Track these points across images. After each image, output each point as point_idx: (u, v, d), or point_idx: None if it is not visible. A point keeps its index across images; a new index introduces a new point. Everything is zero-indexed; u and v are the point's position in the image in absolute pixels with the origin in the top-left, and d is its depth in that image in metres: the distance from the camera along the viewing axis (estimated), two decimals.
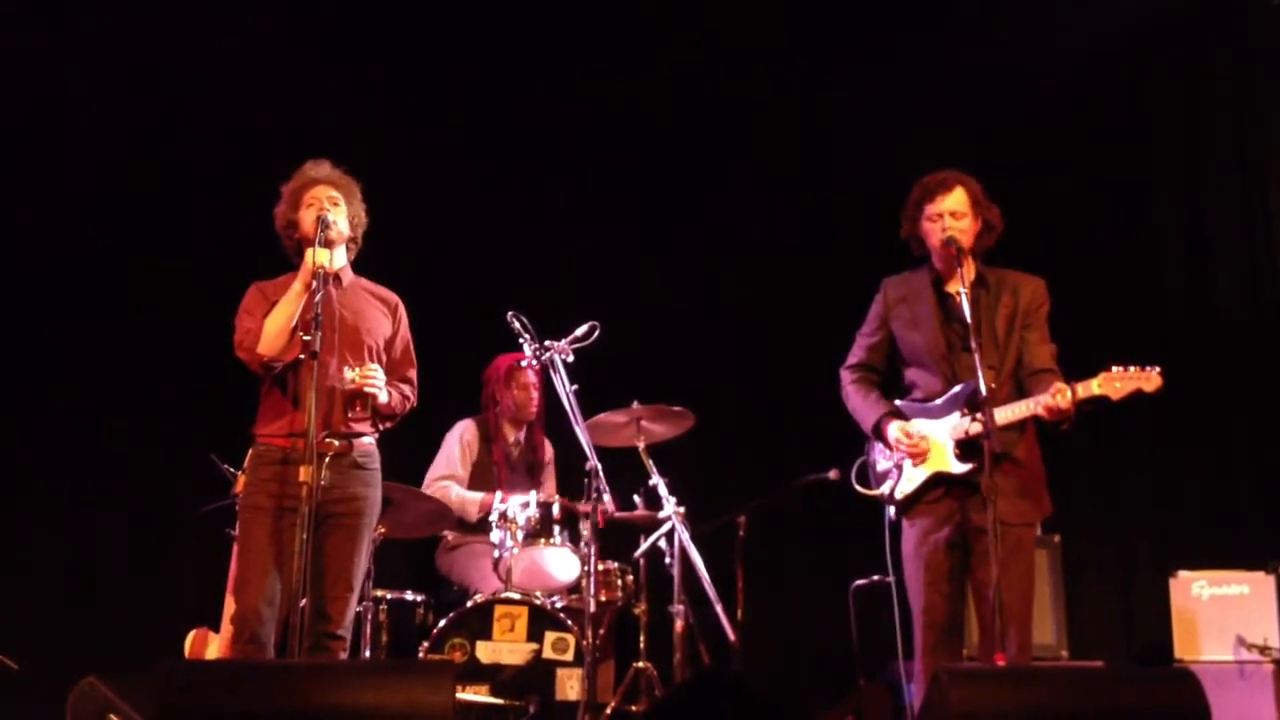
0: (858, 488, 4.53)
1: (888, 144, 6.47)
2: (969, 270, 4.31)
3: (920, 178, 4.40)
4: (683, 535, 5.18)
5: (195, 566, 6.09)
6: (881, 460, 4.44)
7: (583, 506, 5.10)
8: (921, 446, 4.25)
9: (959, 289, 4.18)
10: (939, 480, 4.27)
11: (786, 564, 6.74)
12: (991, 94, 6.62)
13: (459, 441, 5.90)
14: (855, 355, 4.56)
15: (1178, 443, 6.51)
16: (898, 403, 4.42)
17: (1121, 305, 6.54)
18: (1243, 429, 6.45)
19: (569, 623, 5.07)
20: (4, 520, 5.92)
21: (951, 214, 4.29)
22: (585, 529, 5.11)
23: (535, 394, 5.89)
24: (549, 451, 6.07)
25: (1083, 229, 6.75)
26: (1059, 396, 4.02)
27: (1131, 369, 4.03)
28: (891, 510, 4.38)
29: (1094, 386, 4.04)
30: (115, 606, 6.16)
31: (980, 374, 3.99)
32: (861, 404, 4.46)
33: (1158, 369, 4.04)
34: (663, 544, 5.46)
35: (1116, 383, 4.03)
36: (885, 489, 4.39)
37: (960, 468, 4.21)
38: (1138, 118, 6.87)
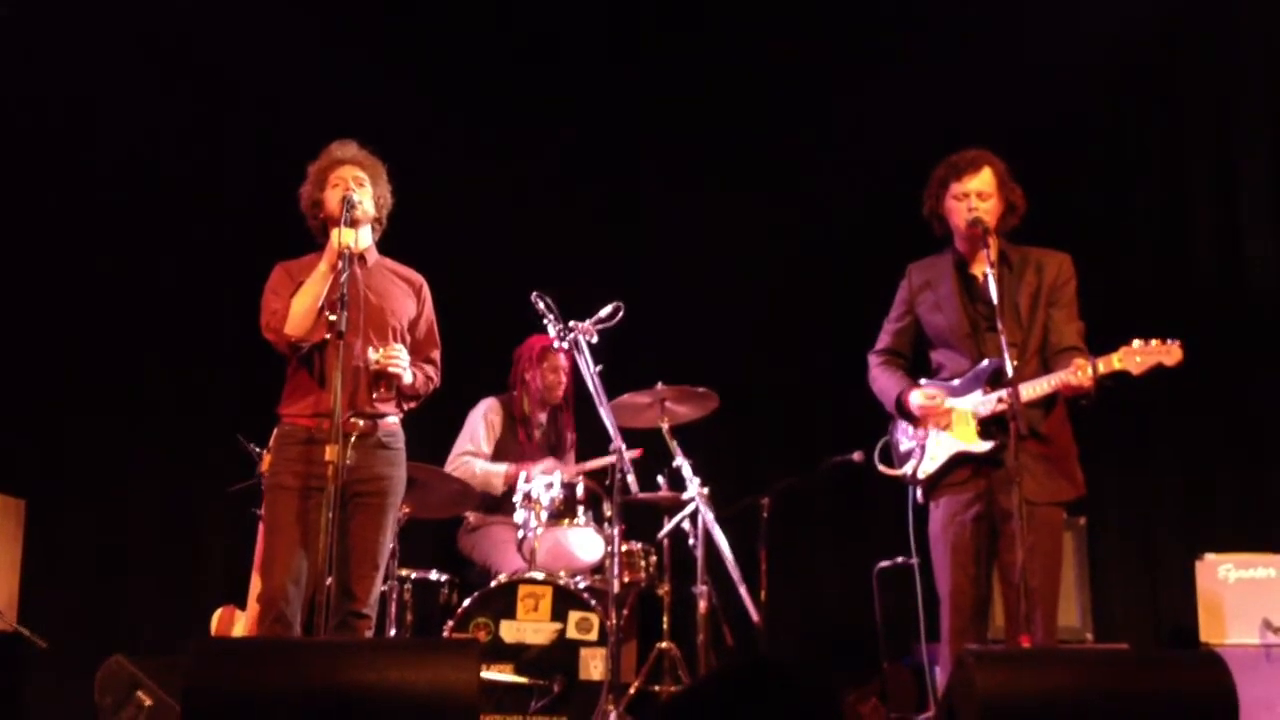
0: (880, 468, 4.53)
1: (919, 122, 6.44)
2: (992, 249, 4.29)
3: (948, 156, 4.37)
4: (706, 516, 5.19)
5: (221, 545, 6.14)
6: (904, 440, 4.44)
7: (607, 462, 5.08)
8: (943, 406, 4.24)
9: (984, 270, 4.17)
10: (962, 460, 4.25)
11: (810, 546, 6.74)
12: (1021, 72, 6.56)
13: (483, 419, 5.91)
14: (882, 341, 4.56)
15: (1204, 424, 6.45)
16: (922, 381, 4.41)
17: (1151, 285, 6.49)
18: (1272, 410, 6.40)
19: (593, 603, 5.08)
20: (33, 499, 5.96)
21: (978, 194, 4.26)
22: (609, 510, 5.12)
23: (565, 377, 5.90)
24: (572, 436, 6.08)
25: (1112, 208, 6.70)
26: (1079, 373, 4.01)
27: (1152, 343, 4.00)
28: (919, 493, 4.37)
29: (1114, 361, 4.01)
30: (142, 585, 6.20)
31: (1005, 353, 3.98)
32: (887, 383, 4.46)
33: (1178, 342, 4.01)
34: (686, 525, 5.46)
35: (1137, 357, 4.00)
36: (908, 469, 4.39)
37: (982, 446, 4.19)
38: (1169, 96, 6.79)
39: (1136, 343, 4.02)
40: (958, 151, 4.36)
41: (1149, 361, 4.00)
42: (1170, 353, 4.00)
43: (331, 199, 4.32)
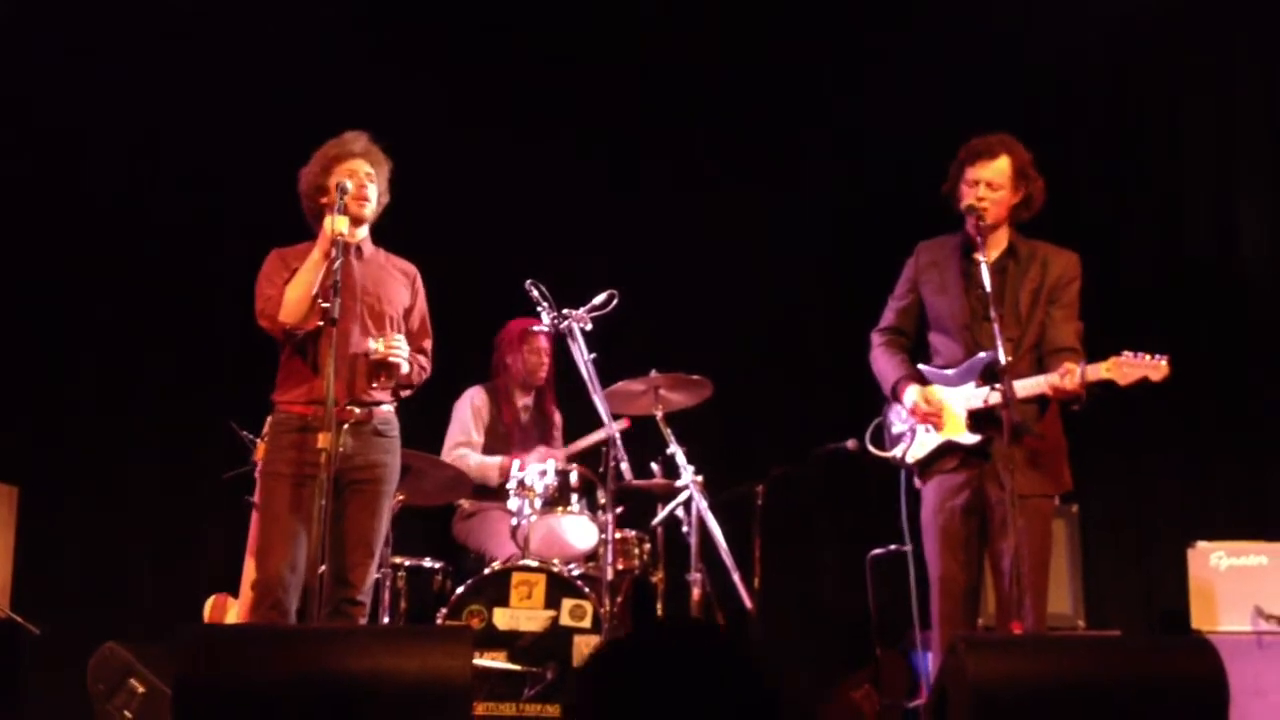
0: (871, 448, 4.53)
1: (915, 112, 6.44)
2: (1000, 239, 4.28)
3: (962, 144, 4.33)
4: (700, 504, 5.18)
5: (214, 533, 6.13)
6: (897, 423, 4.44)
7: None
8: (938, 414, 4.24)
9: (981, 258, 4.16)
10: (950, 448, 4.26)
11: (804, 533, 6.73)
12: (1020, 69, 6.58)
13: (469, 408, 5.91)
14: (886, 319, 4.54)
15: (1198, 412, 6.47)
16: (920, 367, 4.41)
17: (1149, 274, 6.50)
18: (1265, 399, 6.41)
19: (586, 590, 5.08)
20: (26, 486, 5.96)
21: (988, 184, 4.24)
22: (603, 497, 5.11)
23: (546, 359, 5.89)
24: (557, 418, 6.08)
25: (1111, 205, 6.71)
26: (1066, 378, 4.01)
27: (1141, 356, 4.02)
28: (915, 477, 4.38)
29: (1102, 371, 4.02)
30: (135, 572, 6.21)
31: (999, 345, 3.98)
32: (886, 365, 4.44)
33: (1166, 358, 4.02)
34: (680, 512, 5.45)
35: (1125, 368, 4.01)
36: (897, 452, 4.40)
37: (970, 438, 4.20)
38: (1169, 90, 6.80)
39: (1126, 354, 4.03)
40: (979, 135, 4.32)
41: (1135, 374, 4.01)
42: (1157, 368, 4.01)
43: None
